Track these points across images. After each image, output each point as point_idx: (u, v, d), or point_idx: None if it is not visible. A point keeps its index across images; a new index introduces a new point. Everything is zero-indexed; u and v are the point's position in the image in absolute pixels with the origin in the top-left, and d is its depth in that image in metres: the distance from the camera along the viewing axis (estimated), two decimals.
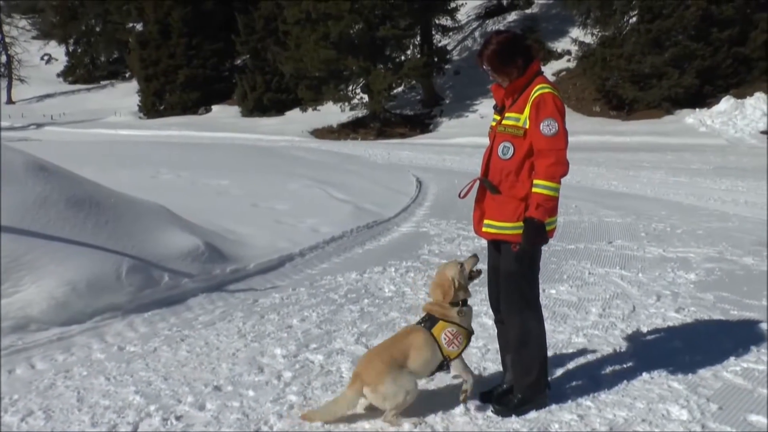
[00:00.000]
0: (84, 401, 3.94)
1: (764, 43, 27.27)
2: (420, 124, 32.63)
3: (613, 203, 11.22)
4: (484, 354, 4.58)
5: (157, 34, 40.23)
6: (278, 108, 37.50)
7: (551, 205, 3.47)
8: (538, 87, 3.48)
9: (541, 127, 3.41)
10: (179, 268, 6.29)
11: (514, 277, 3.64)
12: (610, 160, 18.89)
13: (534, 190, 3.45)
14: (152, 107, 41.68)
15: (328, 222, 8.80)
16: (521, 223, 3.51)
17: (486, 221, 3.67)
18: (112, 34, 51.25)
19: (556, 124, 3.41)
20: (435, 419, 3.64)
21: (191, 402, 3.93)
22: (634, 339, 4.95)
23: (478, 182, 3.73)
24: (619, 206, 10.87)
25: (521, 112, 3.50)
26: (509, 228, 3.57)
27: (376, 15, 30.47)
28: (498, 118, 3.68)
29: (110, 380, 4.24)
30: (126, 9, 46.01)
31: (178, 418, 3.75)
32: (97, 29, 54.53)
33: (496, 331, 4.02)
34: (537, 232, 3.47)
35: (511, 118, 3.54)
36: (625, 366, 4.41)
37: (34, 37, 57.77)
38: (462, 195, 3.82)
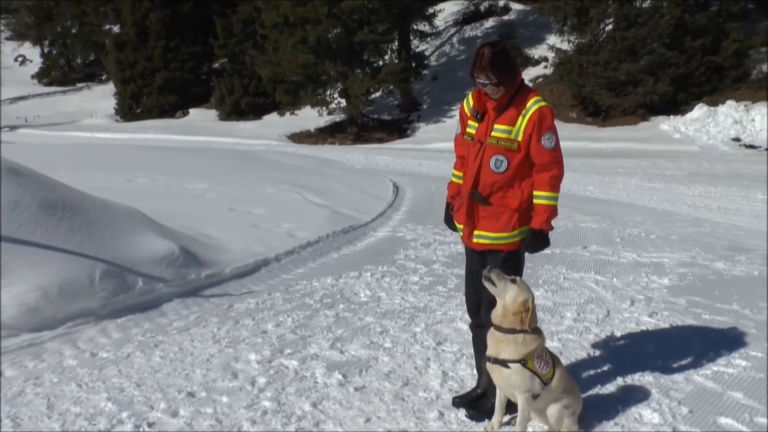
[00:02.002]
0: (54, 408, 3.88)
1: (735, 52, 27.78)
2: (397, 129, 32.68)
3: (589, 208, 11.31)
4: (459, 358, 4.59)
5: (135, 37, 39.84)
6: (256, 112, 37.36)
7: (555, 215, 3.61)
8: (534, 100, 3.50)
9: (542, 141, 3.48)
10: (154, 273, 6.22)
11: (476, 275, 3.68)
12: (587, 166, 19.04)
13: (541, 202, 3.55)
14: (129, 110, 41.27)
15: (305, 227, 8.77)
16: (516, 232, 3.60)
17: (477, 233, 3.68)
18: (88, 36, 50.68)
19: (554, 137, 3.51)
20: (409, 424, 3.64)
21: (164, 408, 3.89)
22: (608, 343, 4.99)
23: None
24: (595, 211, 10.96)
25: (513, 124, 3.50)
26: (504, 238, 3.63)
27: (354, 20, 30.47)
28: (476, 125, 3.65)
29: (82, 387, 4.18)
30: (103, 11, 45.45)
31: (150, 425, 3.71)
32: (73, 31, 53.90)
33: (471, 335, 4.03)
34: (545, 243, 3.64)
35: (501, 131, 3.52)
36: (598, 370, 4.46)
37: (7, 38, 57.03)
38: (454, 210, 3.81)
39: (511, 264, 3.62)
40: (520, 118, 3.48)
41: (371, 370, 4.42)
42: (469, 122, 3.71)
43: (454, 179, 3.94)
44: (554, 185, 3.54)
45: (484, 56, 3.41)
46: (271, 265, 7.22)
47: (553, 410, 3.46)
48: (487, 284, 3.42)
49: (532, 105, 3.48)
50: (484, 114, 3.62)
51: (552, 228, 3.61)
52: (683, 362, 4.56)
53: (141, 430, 3.66)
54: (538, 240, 3.59)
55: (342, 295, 6.22)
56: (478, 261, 3.76)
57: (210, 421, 3.74)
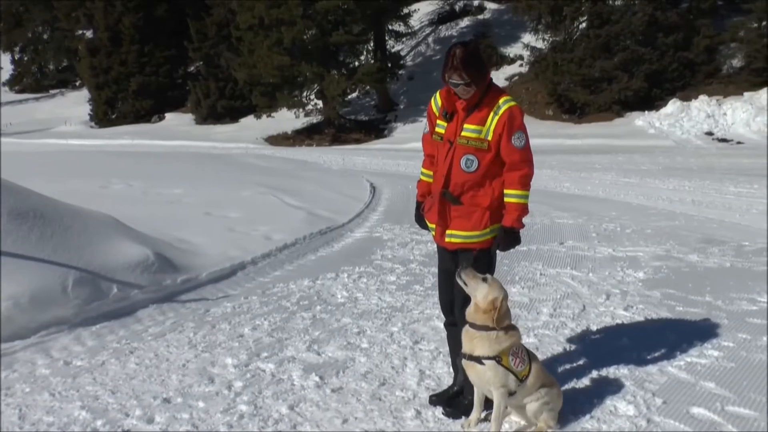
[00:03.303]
0: (26, 419, 3.82)
1: (706, 48, 28.20)
2: (375, 129, 32.71)
3: (565, 205, 11.40)
4: (436, 357, 4.60)
5: (108, 42, 39.41)
6: (232, 115, 37.16)
7: (527, 213, 3.62)
8: (504, 99, 3.50)
9: (512, 141, 3.49)
10: (128, 280, 6.16)
11: (449, 273, 3.70)
12: (563, 163, 19.19)
13: (512, 200, 3.56)
14: (104, 116, 40.81)
15: (282, 229, 8.74)
16: (488, 230, 3.61)
17: (450, 232, 3.69)
18: (60, 42, 49.97)
19: (524, 136, 3.53)
20: (386, 424, 3.64)
21: (139, 415, 3.85)
22: (584, 338, 5.03)
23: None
24: (571, 207, 11.05)
25: (483, 123, 3.50)
26: (476, 236, 3.64)
27: (329, 21, 30.46)
28: (445, 124, 3.64)
29: (55, 396, 4.12)
30: (75, 16, 44.86)
31: None
32: (45, 36, 53.19)
33: (446, 333, 4.04)
34: (516, 240, 3.67)
35: (471, 130, 3.52)
36: (574, 364, 4.49)
37: None
38: (425, 210, 3.81)
39: (483, 262, 3.63)
40: (490, 117, 3.49)
41: (348, 371, 4.41)
42: (438, 122, 3.70)
43: (423, 177, 3.94)
44: (525, 184, 3.56)
45: (456, 56, 3.38)
46: (248, 269, 7.18)
47: (531, 406, 3.48)
48: (459, 283, 3.43)
49: (503, 104, 3.48)
50: (453, 114, 3.61)
51: (523, 226, 3.63)
52: (657, 354, 4.61)
53: None
54: (510, 238, 3.62)
55: (319, 297, 6.20)
56: (450, 260, 3.77)
57: (186, 426, 3.71)
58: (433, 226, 3.78)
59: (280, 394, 4.07)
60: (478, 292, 3.38)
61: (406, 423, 3.66)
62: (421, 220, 3.97)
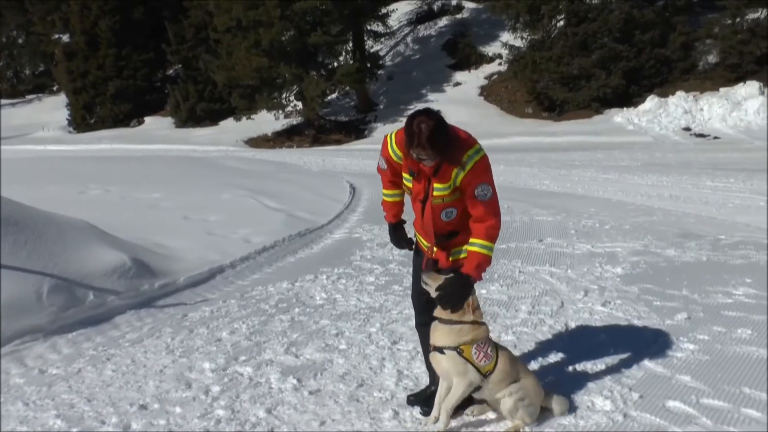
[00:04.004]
0: None
1: (683, 44, 28.53)
2: (355, 130, 32.69)
3: (545, 202, 11.46)
4: (414, 356, 4.59)
5: (85, 45, 39.04)
6: (212, 118, 36.98)
7: (488, 265, 3.48)
8: (468, 155, 3.35)
9: (476, 194, 3.38)
10: (105, 286, 6.10)
11: None
12: (543, 160, 19.30)
13: (475, 249, 3.43)
14: (82, 121, 40.43)
15: (261, 231, 8.69)
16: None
17: (456, 249, 3.62)
18: (36, 46, 49.44)
19: (490, 188, 3.41)
20: (364, 425, 3.63)
21: (115, 423, 3.81)
22: (562, 334, 5.06)
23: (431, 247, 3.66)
24: (551, 205, 11.11)
25: (448, 179, 3.40)
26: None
27: (307, 21, 30.37)
28: (411, 179, 3.54)
29: (29, 405, 4.07)
30: (50, 19, 44.45)
31: None
32: (20, 41, 52.59)
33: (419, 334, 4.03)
34: (468, 290, 3.46)
35: (440, 189, 3.44)
36: (552, 361, 4.51)
37: None
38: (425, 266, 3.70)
39: None
40: (455, 172, 3.36)
41: (326, 373, 4.40)
42: (404, 175, 3.60)
43: (388, 198, 3.84)
44: (490, 235, 3.45)
45: (421, 133, 3.21)
46: (227, 272, 7.14)
47: (505, 403, 3.50)
48: (424, 286, 3.47)
49: (468, 161, 3.35)
50: (419, 173, 3.48)
51: (480, 278, 3.49)
52: (635, 349, 4.64)
53: None
54: (463, 285, 3.44)
55: (297, 299, 6.18)
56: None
57: None
58: (427, 243, 3.71)
59: (257, 398, 4.05)
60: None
61: (383, 424, 3.65)
62: (399, 241, 3.91)
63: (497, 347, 3.56)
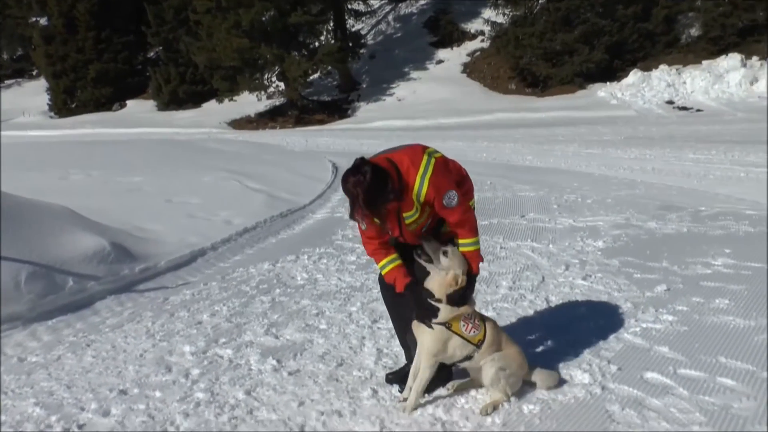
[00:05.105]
0: None
1: (665, 18, 28.48)
2: (338, 109, 32.54)
3: (528, 178, 11.47)
4: (394, 335, 4.57)
5: (63, 28, 38.49)
6: (195, 100, 36.69)
7: (482, 258, 3.60)
8: (420, 174, 3.30)
9: (444, 204, 3.38)
10: (84, 271, 6.05)
11: None
12: (526, 136, 19.29)
13: (468, 249, 3.51)
14: (63, 105, 40.01)
15: (242, 213, 8.65)
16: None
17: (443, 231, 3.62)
18: (13, 30, 48.49)
19: (454, 193, 3.40)
20: (342, 404, 3.64)
21: (95, 409, 3.79)
22: (542, 309, 5.07)
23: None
24: (534, 180, 11.11)
25: (412, 206, 3.40)
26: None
27: (288, 1, 30.02)
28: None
29: (8, 394, 4.04)
30: (26, 2, 43.71)
31: (80, 427, 3.61)
32: None
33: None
34: (473, 286, 3.56)
35: (410, 216, 3.45)
36: (532, 336, 4.52)
37: None
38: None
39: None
40: (415, 195, 3.34)
41: (306, 353, 4.40)
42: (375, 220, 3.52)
43: (390, 265, 3.60)
44: (473, 230, 3.54)
45: (358, 199, 3.18)
46: (208, 255, 7.11)
47: (487, 373, 3.50)
48: (419, 259, 3.43)
49: (421, 185, 3.31)
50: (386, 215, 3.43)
51: (478, 272, 3.58)
52: (614, 322, 4.67)
53: None
54: (473, 285, 3.57)
55: (279, 280, 6.16)
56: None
57: (142, 417, 3.67)
58: None
59: (237, 380, 4.04)
60: (442, 266, 3.41)
61: (362, 402, 3.66)
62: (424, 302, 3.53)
63: (483, 318, 3.59)
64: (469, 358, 3.51)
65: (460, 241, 3.53)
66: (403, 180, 3.31)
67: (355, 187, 3.18)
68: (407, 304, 3.60)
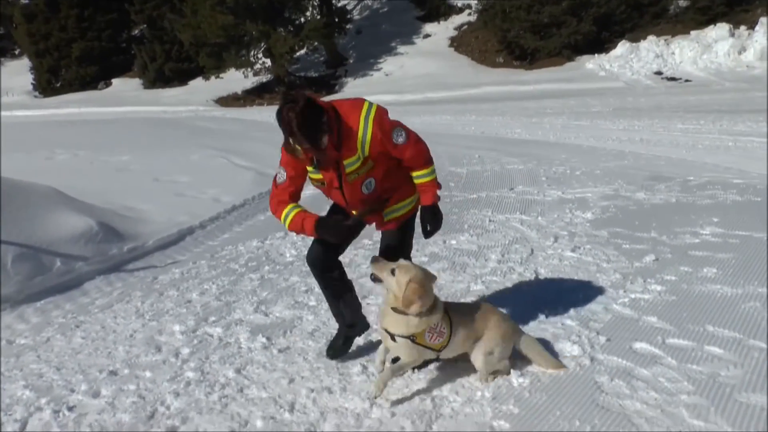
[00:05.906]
0: None
1: None
2: (326, 85, 32.30)
3: (516, 150, 11.44)
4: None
5: (45, 6, 37.91)
6: (181, 78, 36.35)
7: (440, 186, 3.61)
8: (361, 120, 3.27)
9: (395, 142, 3.36)
10: (72, 252, 6.03)
11: (397, 250, 3.68)
12: (515, 109, 19.23)
13: (424, 180, 3.53)
14: (48, 85, 39.58)
15: (231, 191, 8.62)
16: (414, 197, 3.63)
17: (389, 210, 3.63)
18: None
19: (401, 128, 3.40)
20: (332, 381, 3.64)
21: (85, 390, 3.78)
22: (531, 281, 5.08)
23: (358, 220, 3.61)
24: (522, 153, 11.09)
25: (355, 150, 3.31)
26: (410, 202, 3.65)
27: None
28: (315, 169, 3.42)
29: None
30: None
31: (70, 409, 3.60)
32: None
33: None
34: (440, 215, 3.64)
35: (351, 163, 3.34)
36: (521, 309, 4.50)
37: None
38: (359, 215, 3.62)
39: (408, 233, 3.75)
40: (360, 138, 3.28)
41: (295, 330, 4.40)
42: (309, 169, 3.48)
43: (293, 211, 3.54)
44: (428, 160, 3.51)
45: (291, 125, 3.06)
46: (196, 233, 7.08)
47: (476, 362, 3.47)
48: (374, 280, 3.38)
49: (366, 122, 3.27)
50: (321, 158, 3.32)
51: (440, 198, 3.62)
52: (603, 293, 4.68)
53: (61, 414, 3.55)
54: (435, 214, 3.61)
55: (267, 257, 6.14)
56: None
57: (132, 398, 3.66)
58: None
59: (227, 358, 4.04)
60: (392, 286, 3.29)
61: (352, 379, 3.66)
62: (341, 221, 3.62)
63: (450, 319, 3.45)
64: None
65: (414, 173, 3.52)
66: (344, 123, 3.26)
67: (288, 112, 3.07)
68: (332, 274, 3.75)
